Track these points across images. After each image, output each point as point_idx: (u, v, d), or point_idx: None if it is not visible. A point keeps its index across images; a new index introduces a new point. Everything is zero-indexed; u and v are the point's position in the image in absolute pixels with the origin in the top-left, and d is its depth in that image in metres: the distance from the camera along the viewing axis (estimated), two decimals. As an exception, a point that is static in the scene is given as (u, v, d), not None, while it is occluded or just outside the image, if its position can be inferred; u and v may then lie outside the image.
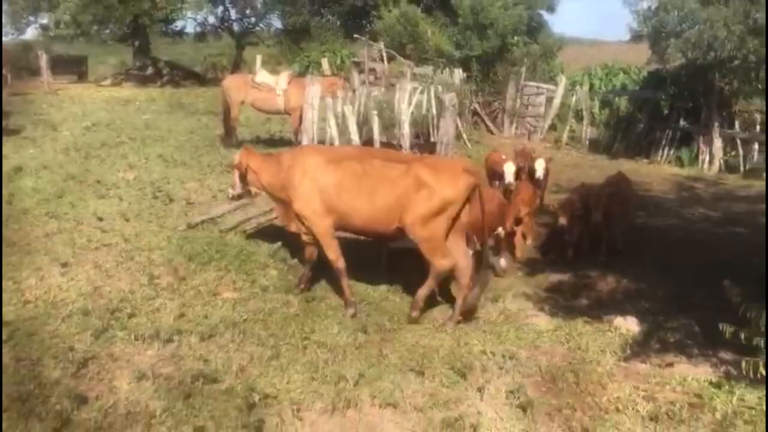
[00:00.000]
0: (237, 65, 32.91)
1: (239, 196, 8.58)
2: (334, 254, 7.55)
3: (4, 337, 5.73)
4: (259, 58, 23.43)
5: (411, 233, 7.22)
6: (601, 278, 9.19)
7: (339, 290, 7.76)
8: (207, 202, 10.81)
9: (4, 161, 12.25)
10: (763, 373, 5.53)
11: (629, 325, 7.52)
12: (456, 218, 7.25)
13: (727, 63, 15.46)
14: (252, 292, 7.74)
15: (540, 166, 11.10)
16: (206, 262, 8.32)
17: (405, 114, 10.60)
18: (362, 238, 8.16)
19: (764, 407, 5.41)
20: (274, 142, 16.00)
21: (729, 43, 14.38)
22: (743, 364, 5.60)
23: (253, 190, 8.35)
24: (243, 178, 8.21)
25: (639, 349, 6.91)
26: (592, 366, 6.37)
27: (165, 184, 11.63)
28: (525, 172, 11.42)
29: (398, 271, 8.41)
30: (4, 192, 10.24)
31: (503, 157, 11.58)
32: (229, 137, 15.15)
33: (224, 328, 6.57)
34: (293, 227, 7.93)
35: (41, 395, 4.91)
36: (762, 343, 5.69)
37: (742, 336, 5.76)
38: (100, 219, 9.51)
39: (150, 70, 29.77)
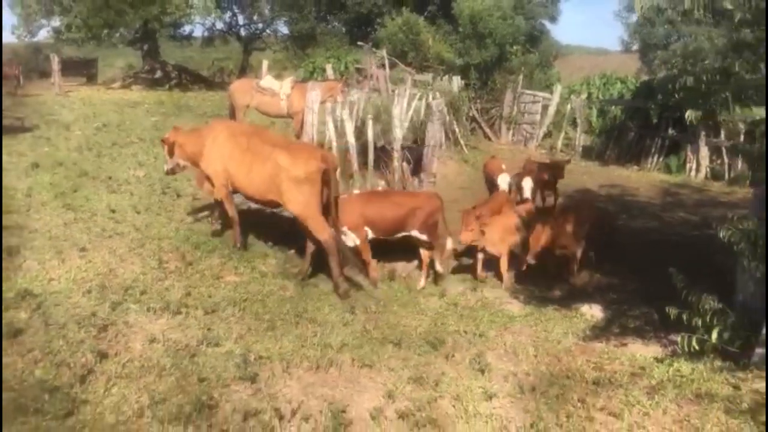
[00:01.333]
0: (243, 70, 33.73)
1: (172, 170, 9.98)
2: (231, 208, 9.30)
3: (34, 306, 6.54)
4: (265, 63, 24.14)
5: (286, 209, 8.79)
6: (576, 273, 9.93)
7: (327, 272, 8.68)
8: (210, 197, 11.55)
9: (21, 159, 13.06)
10: (696, 347, 6.31)
11: (594, 311, 8.31)
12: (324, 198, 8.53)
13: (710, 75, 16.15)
14: (252, 277, 8.54)
15: (527, 185, 11.04)
16: (211, 250, 9.12)
17: (398, 119, 11.38)
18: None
19: (694, 375, 6.17)
20: (278, 145, 16.72)
21: (712, 55, 15.13)
22: (679, 339, 6.37)
23: (181, 162, 9.75)
24: (172, 152, 9.65)
25: (599, 332, 7.68)
26: (552, 344, 7.15)
27: (173, 181, 12.37)
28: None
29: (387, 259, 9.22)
30: (23, 186, 11.03)
31: (503, 166, 11.87)
32: (235, 139, 15.84)
33: (226, 305, 7.37)
34: (206, 188, 9.72)
35: (69, 350, 5.72)
36: (699, 322, 6.46)
37: (684, 317, 6.53)
38: (113, 211, 10.28)
39: (158, 74, 30.49)
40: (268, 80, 16.31)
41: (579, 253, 9.70)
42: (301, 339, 6.62)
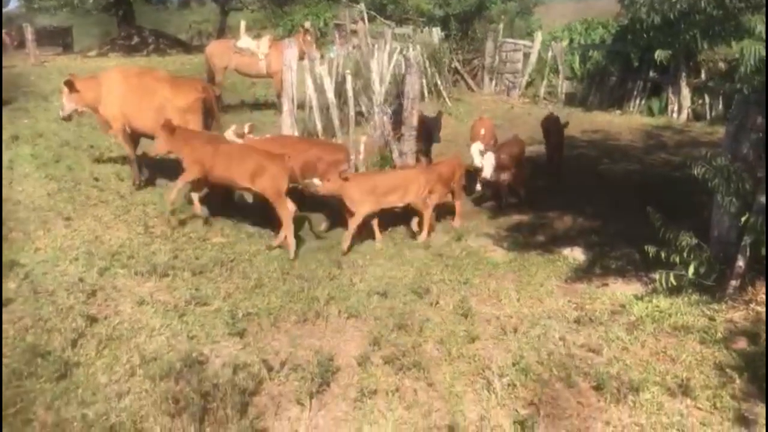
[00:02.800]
0: (222, 31, 33.16)
1: (69, 117, 10.49)
2: (129, 149, 10.12)
3: (22, 276, 6.61)
4: (243, 24, 23.79)
5: None
6: (558, 218, 10.07)
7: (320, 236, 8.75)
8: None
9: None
10: (674, 282, 6.48)
11: (576, 254, 8.46)
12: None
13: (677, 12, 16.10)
14: (239, 238, 8.65)
15: (488, 162, 9.90)
16: (196, 214, 9.17)
17: (377, 73, 11.32)
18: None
19: (672, 310, 6.35)
20: (259, 106, 16.66)
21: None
22: (657, 275, 6.54)
23: (79, 108, 10.25)
24: (70, 99, 10.11)
25: (581, 273, 7.84)
26: (534, 287, 7.31)
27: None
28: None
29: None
30: (5, 159, 10.95)
31: (482, 131, 11.01)
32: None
33: (213, 265, 7.47)
34: (105, 130, 10.54)
35: (59, 316, 5.82)
36: (677, 259, 6.62)
37: (663, 255, 6.69)
38: (96, 179, 10.28)
39: (135, 40, 29.92)
40: (245, 40, 16.07)
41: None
42: (288, 294, 6.74)
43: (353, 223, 8.54)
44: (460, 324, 6.13)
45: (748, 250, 6.30)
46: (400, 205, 9.06)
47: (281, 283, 7.16)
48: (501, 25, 22.28)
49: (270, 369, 5.18)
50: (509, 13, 24.00)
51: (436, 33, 20.54)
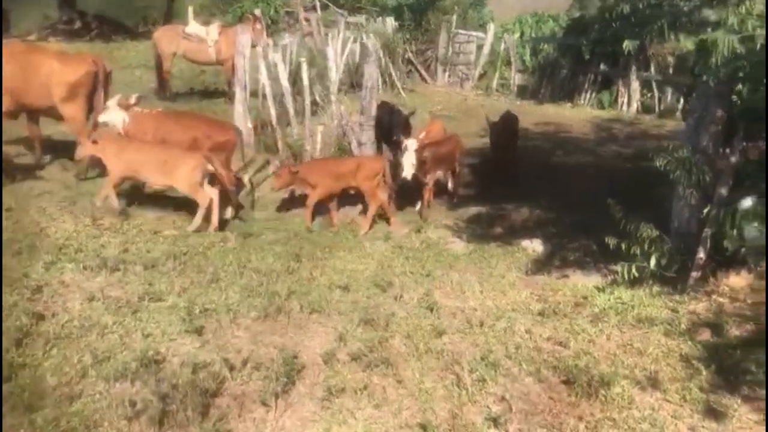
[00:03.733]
0: (169, 17, 32.27)
1: None
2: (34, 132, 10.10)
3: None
4: (190, 10, 23.15)
5: (60, 111, 9.53)
6: (516, 209, 10.08)
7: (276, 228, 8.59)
8: (145, 151, 11.15)
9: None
10: (636, 274, 6.50)
11: (535, 246, 8.45)
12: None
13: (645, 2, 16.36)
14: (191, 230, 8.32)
15: (407, 161, 9.28)
16: (146, 205, 8.84)
17: (333, 61, 11.09)
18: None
19: (634, 302, 6.37)
20: (209, 94, 16.22)
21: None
22: (619, 267, 6.55)
23: None
24: None
25: (541, 265, 7.84)
26: (496, 279, 7.25)
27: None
28: None
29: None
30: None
31: (421, 136, 10.23)
32: (163, 90, 15.24)
33: (166, 259, 7.16)
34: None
35: (2, 314, 5.44)
36: (638, 251, 6.63)
37: (623, 247, 6.70)
38: (40, 169, 9.81)
39: (77, 24, 28.88)
40: (194, 26, 15.62)
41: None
42: (246, 289, 6.49)
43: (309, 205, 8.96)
44: (425, 318, 6.00)
45: (708, 241, 6.36)
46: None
47: (238, 277, 6.90)
48: (454, 16, 22.25)
49: (231, 368, 4.94)
50: (462, 4, 23.94)
51: (390, 23, 20.36)
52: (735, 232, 5.71)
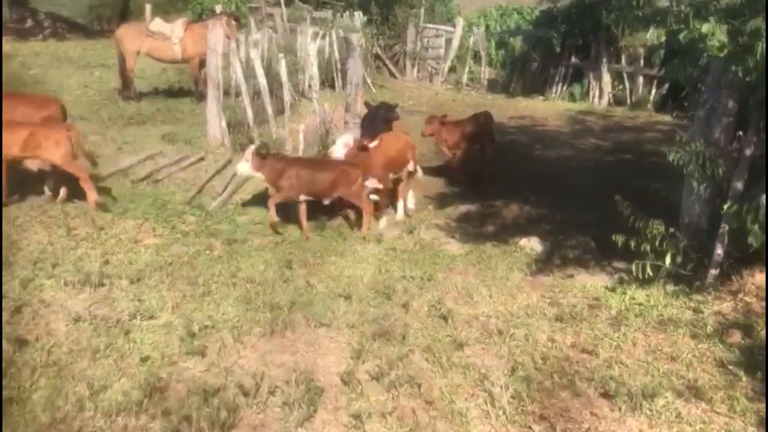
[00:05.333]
0: (124, 15, 31.27)
1: None
2: None
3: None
4: (148, 7, 22.40)
5: None
6: (505, 206, 9.82)
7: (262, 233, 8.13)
8: (114, 155, 10.59)
9: None
10: (651, 273, 6.26)
11: (533, 245, 8.19)
12: None
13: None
14: (173, 238, 7.84)
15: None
16: (122, 212, 8.33)
17: (313, 56, 10.65)
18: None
19: (652, 302, 6.13)
20: (175, 93, 15.62)
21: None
22: (633, 267, 6.30)
23: None
24: None
25: (543, 265, 7.57)
26: (502, 281, 6.95)
27: (66, 137, 11.24)
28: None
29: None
30: None
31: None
32: (127, 89, 14.60)
33: (152, 271, 6.69)
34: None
35: (-22, 342, 4.93)
36: (648, 247, 6.40)
37: (632, 244, 6.46)
38: (3, 175, 9.17)
39: (29, 23, 27.83)
40: (157, 23, 15.01)
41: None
42: (243, 302, 6.06)
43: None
44: (441, 328, 5.65)
45: (725, 237, 6.15)
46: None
47: (231, 288, 6.46)
48: (422, 10, 21.97)
49: (246, 394, 4.51)
50: (429, -2, 23.69)
51: (358, 17, 19.96)
52: (757, 227, 5.47)
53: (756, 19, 4.69)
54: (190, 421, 4.14)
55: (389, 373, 4.85)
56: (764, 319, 5.41)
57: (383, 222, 8.82)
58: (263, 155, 8.38)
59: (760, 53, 4.71)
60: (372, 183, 8.67)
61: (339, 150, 8.53)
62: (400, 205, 9.35)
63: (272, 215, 8.33)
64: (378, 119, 9.93)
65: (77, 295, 5.91)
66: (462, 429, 4.28)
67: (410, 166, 9.35)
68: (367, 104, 9.67)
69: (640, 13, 7.23)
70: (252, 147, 8.49)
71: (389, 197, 9.24)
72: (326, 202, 8.56)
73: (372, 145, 8.78)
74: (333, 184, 8.42)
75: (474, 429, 4.29)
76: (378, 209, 8.96)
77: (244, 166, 8.37)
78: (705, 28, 5.22)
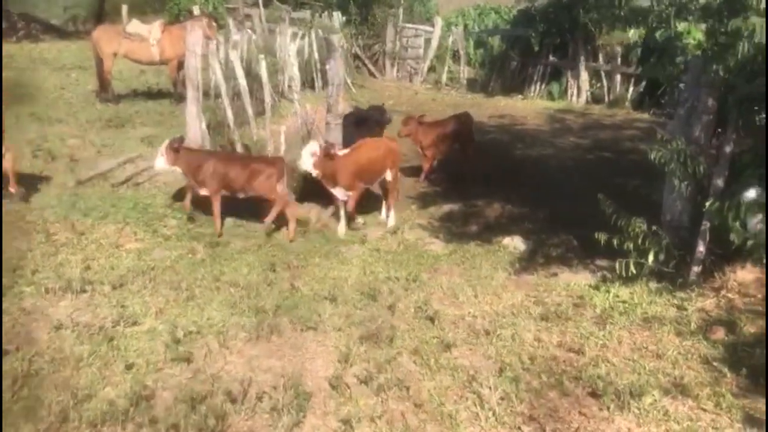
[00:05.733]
0: (100, 16, 30.91)
1: None
2: None
3: None
4: (125, 8, 22.16)
5: None
6: (488, 206, 9.84)
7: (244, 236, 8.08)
8: (93, 158, 10.47)
9: None
10: (634, 271, 6.30)
11: (516, 243, 8.23)
12: None
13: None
14: (155, 242, 7.76)
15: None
16: (103, 217, 8.21)
17: (294, 57, 10.58)
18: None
19: (636, 300, 6.18)
20: (152, 95, 15.48)
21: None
22: (616, 265, 6.34)
23: None
24: None
25: (526, 263, 7.60)
26: (487, 281, 6.97)
27: (43, 142, 11.08)
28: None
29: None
30: None
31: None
32: (105, 91, 14.44)
33: (134, 276, 6.62)
34: None
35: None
36: (631, 245, 6.44)
37: (615, 242, 6.50)
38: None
39: (3, 24, 27.40)
40: (134, 24, 14.87)
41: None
42: (228, 306, 6.01)
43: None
44: (428, 330, 5.64)
45: (707, 234, 6.21)
46: None
47: (215, 292, 6.41)
48: (400, 10, 21.97)
49: (233, 401, 4.47)
50: (408, -3, 23.69)
51: (337, 17, 19.91)
52: (738, 224, 5.53)
53: (736, 19, 4.74)
54: (177, 429, 4.10)
55: (377, 376, 4.83)
56: (746, 315, 5.48)
57: (341, 228, 8.60)
58: (176, 149, 8.26)
59: (741, 52, 4.76)
60: (338, 192, 8.43)
61: (307, 159, 8.27)
62: (383, 209, 9.30)
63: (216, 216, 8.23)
64: (371, 122, 9.86)
65: (58, 302, 5.83)
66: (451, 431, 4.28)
67: (388, 175, 8.97)
68: (357, 108, 9.60)
69: (621, 13, 7.28)
70: (166, 141, 8.40)
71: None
72: (241, 195, 8.43)
73: (341, 153, 8.56)
74: (248, 180, 8.28)
75: (463, 431, 4.29)
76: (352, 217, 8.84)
77: (160, 161, 8.27)
78: (681, 26, 5.28)
